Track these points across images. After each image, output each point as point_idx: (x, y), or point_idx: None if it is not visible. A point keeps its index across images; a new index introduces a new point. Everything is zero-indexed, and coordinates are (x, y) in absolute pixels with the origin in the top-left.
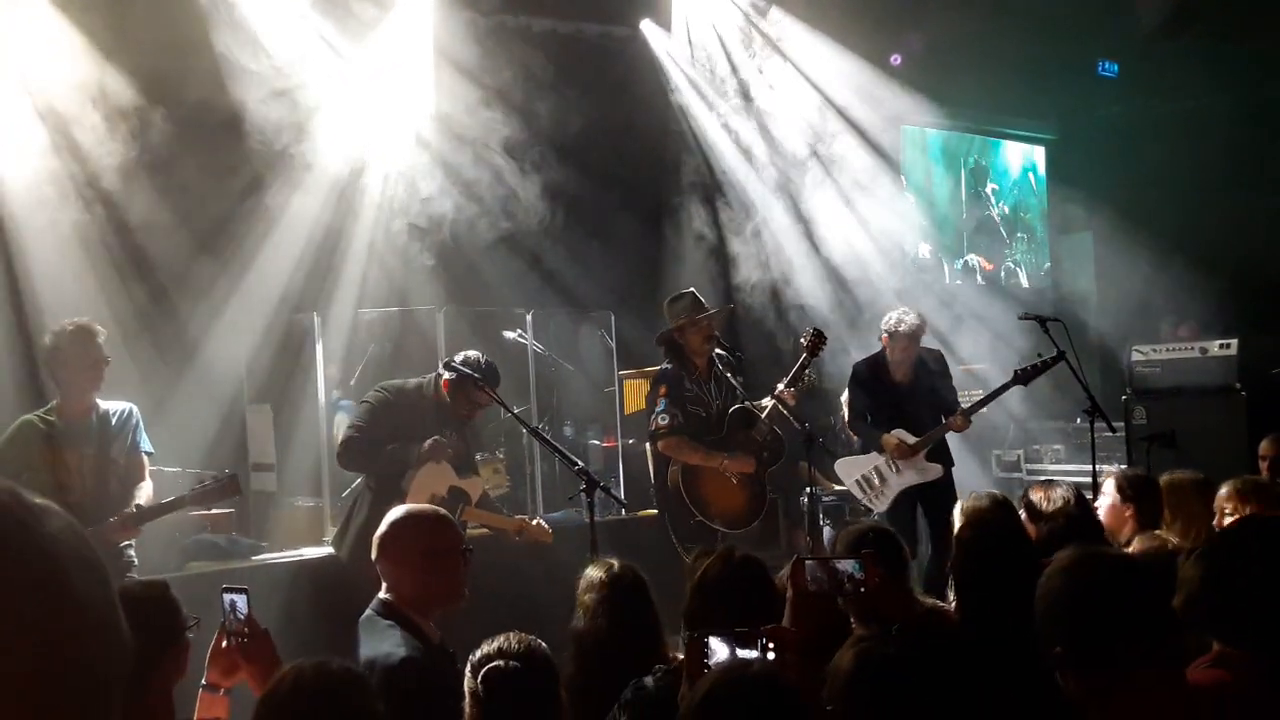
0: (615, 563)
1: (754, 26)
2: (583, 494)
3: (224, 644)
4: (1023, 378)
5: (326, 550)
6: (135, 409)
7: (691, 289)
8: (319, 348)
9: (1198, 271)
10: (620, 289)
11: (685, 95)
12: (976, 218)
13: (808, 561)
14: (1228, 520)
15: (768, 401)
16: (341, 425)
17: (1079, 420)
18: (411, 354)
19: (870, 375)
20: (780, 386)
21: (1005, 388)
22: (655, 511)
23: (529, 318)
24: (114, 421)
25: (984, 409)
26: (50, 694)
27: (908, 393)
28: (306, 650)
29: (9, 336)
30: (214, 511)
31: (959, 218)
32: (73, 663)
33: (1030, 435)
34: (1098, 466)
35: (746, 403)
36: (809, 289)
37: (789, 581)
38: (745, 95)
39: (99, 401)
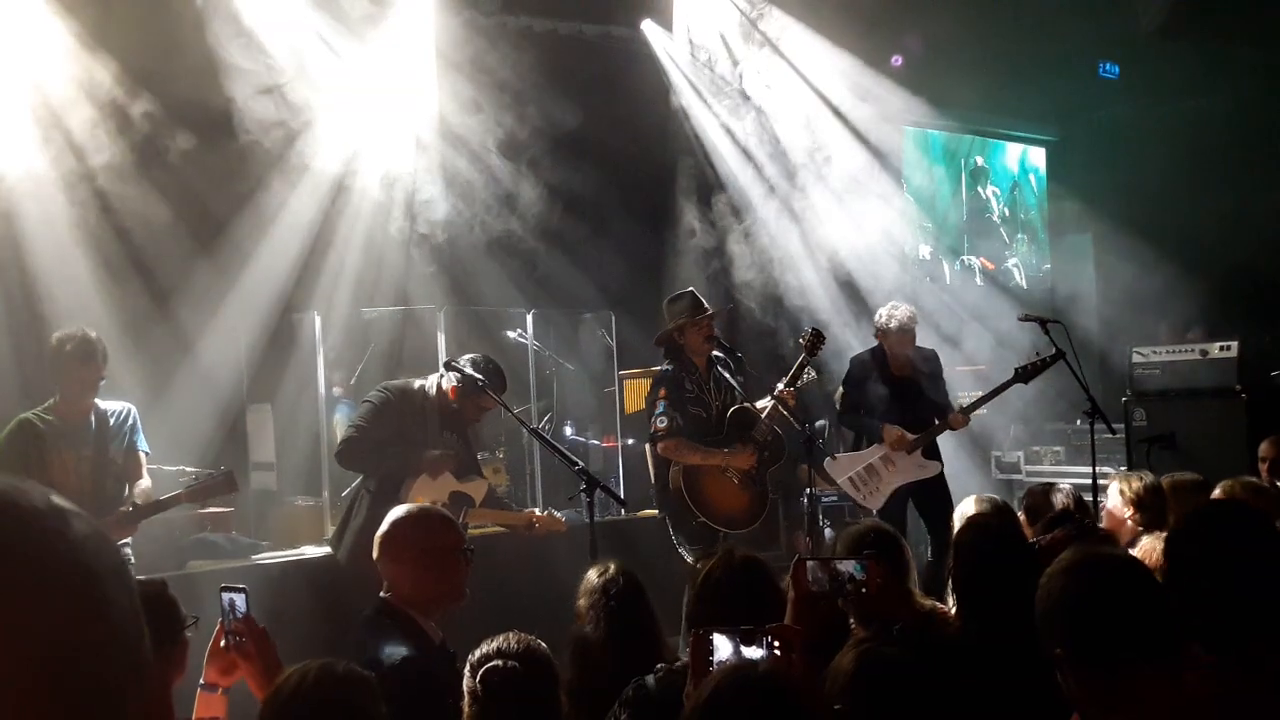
0: (611, 565)
1: (754, 27)
2: (583, 494)
3: (222, 643)
4: (1023, 375)
5: (326, 550)
6: (133, 409)
7: (691, 289)
8: (319, 347)
9: (1198, 273)
10: (620, 289)
11: (685, 95)
12: (977, 219)
13: (809, 562)
14: None
15: (766, 402)
16: (342, 425)
17: (1079, 422)
18: (412, 354)
19: (868, 369)
20: (780, 387)
21: (1006, 385)
22: (655, 511)
23: (529, 317)
24: (112, 421)
25: (982, 408)
26: (72, 699)
27: (904, 389)
28: (305, 650)
29: (15, 334)
30: (213, 510)
31: (959, 218)
32: (96, 671)
33: (1030, 437)
34: (1098, 468)
35: (746, 403)
36: (808, 289)
37: (790, 582)
38: (745, 96)
39: (97, 401)
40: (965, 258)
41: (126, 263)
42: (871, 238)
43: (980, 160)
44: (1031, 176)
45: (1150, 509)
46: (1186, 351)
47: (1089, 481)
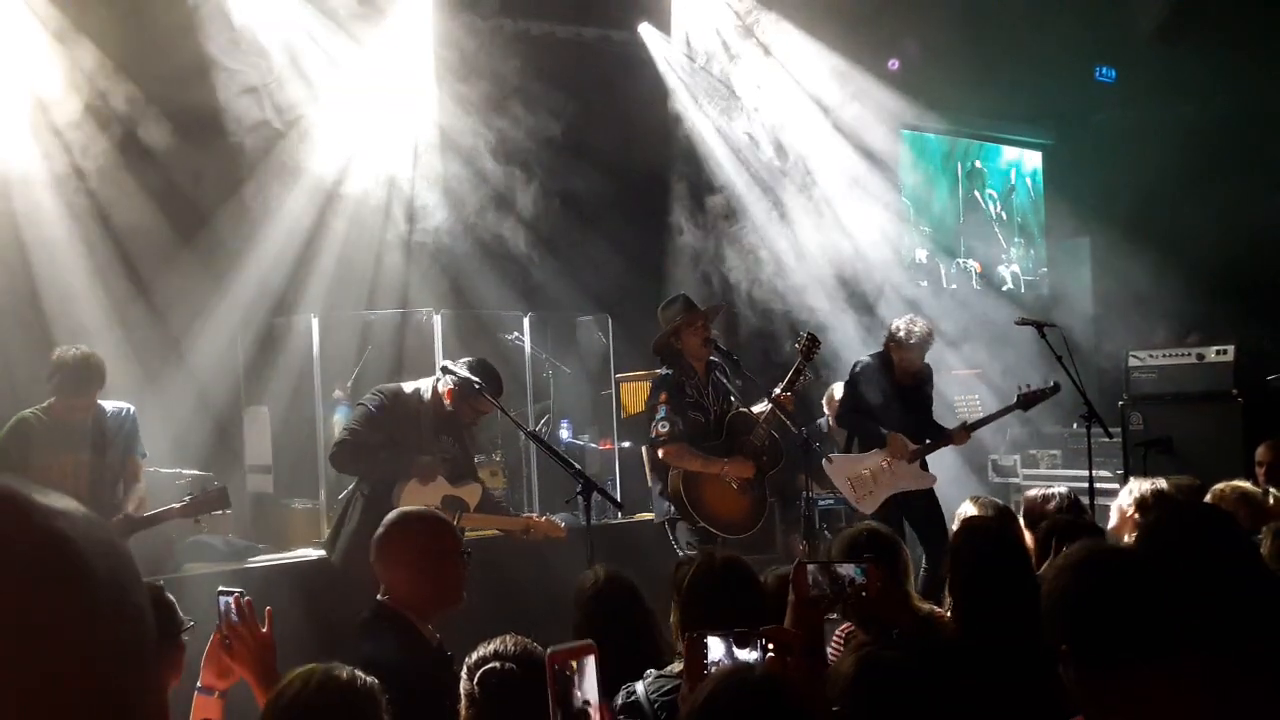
0: (602, 570)
1: (751, 31)
2: (579, 497)
3: (220, 646)
4: (1024, 403)
5: (321, 552)
6: (133, 410)
7: (684, 293)
8: (316, 350)
9: (1194, 277)
10: (617, 292)
11: (682, 99)
12: (973, 222)
13: (809, 566)
14: None
15: (764, 406)
16: (339, 427)
17: (1075, 426)
18: (409, 357)
19: (874, 374)
20: (776, 391)
21: (1007, 410)
22: (652, 515)
23: (526, 320)
24: (110, 423)
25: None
26: (79, 703)
27: (906, 398)
28: (301, 652)
29: (13, 333)
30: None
31: (956, 222)
32: (104, 674)
33: (1027, 440)
34: (1094, 472)
35: (743, 408)
36: (805, 292)
37: (791, 586)
38: (742, 99)
39: (97, 401)
40: (961, 261)
41: (123, 265)
42: (868, 241)
43: (977, 163)
44: (1028, 180)
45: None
46: (1183, 355)
47: (1086, 485)
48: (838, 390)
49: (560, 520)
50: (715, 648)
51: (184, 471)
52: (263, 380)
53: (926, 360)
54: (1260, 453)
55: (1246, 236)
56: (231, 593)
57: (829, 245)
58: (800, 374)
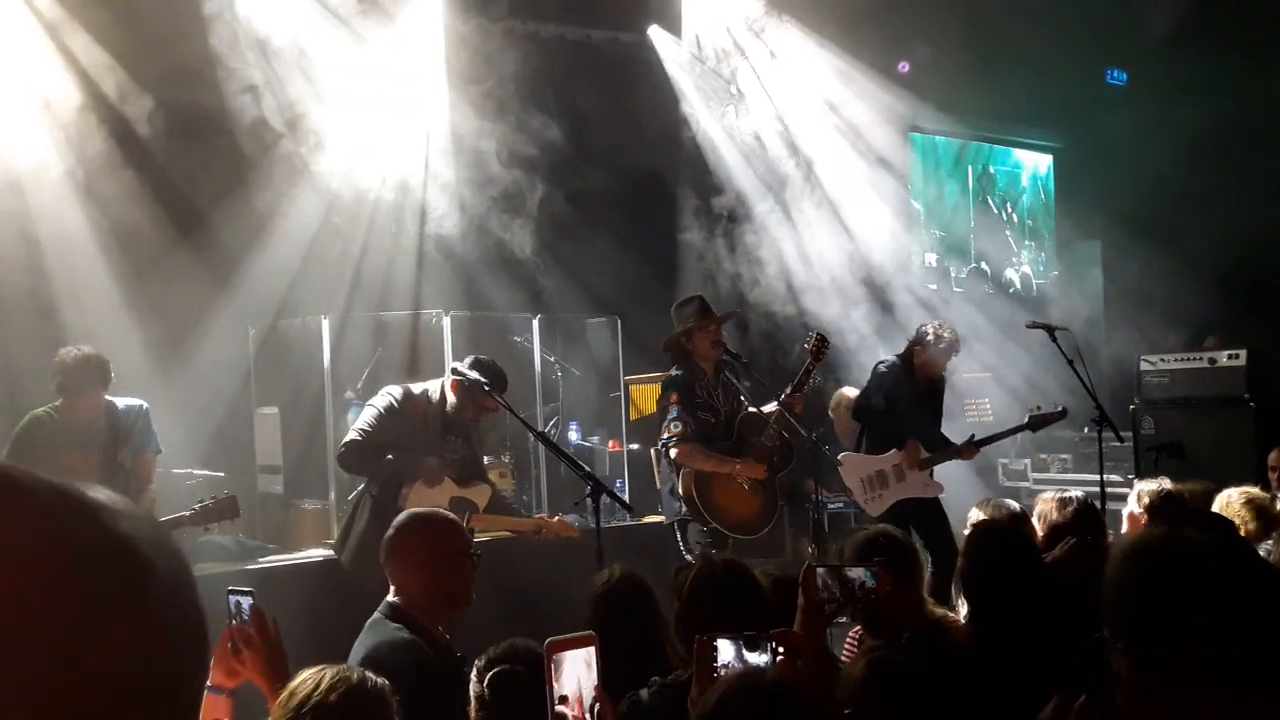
0: (618, 569)
1: (761, 34)
2: (588, 499)
3: (229, 646)
4: (1033, 425)
5: (331, 553)
6: (145, 407)
7: (700, 294)
8: (326, 351)
9: (1205, 280)
10: (626, 294)
11: (692, 101)
12: (984, 225)
13: (819, 569)
14: None
15: (772, 407)
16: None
17: (1086, 430)
18: (418, 358)
19: (896, 376)
20: (786, 391)
21: (1016, 430)
22: (661, 517)
23: (535, 322)
24: (122, 421)
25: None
26: (134, 709)
27: (922, 403)
28: (310, 652)
29: (29, 333)
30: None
31: (966, 225)
32: (173, 688)
33: (1037, 444)
34: (1105, 476)
35: (753, 409)
36: (814, 295)
37: (801, 589)
38: (751, 102)
39: (108, 398)
40: (972, 265)
41: (134, 266)
42: (877, 244)
43: (988, 167)
44: (1040, 183)
45: (1168, 516)
46: (1195, 360)
47: (1097, 489)
48: (847, 393)
49: (574, 521)
50: (725, 650)
51: (195, 472)
52: (273, 381)
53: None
54: (1273, 458)
55: (1257, 240)
56: (242, 592)
57: (838, 248)
58: (809, 374)
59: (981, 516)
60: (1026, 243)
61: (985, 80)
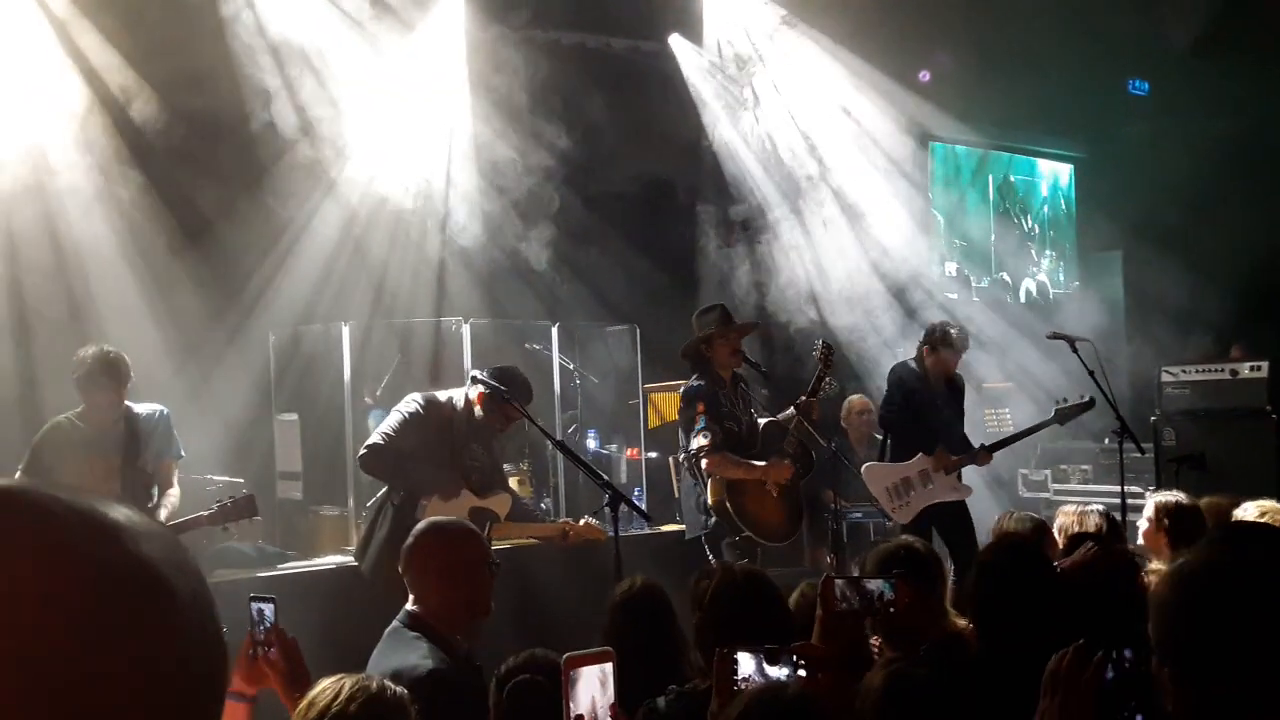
0: (640, 580)
1: (782, 42)
2: (607, 508)
3: (251, 653)
4: (1060, 417)
5: (350, 560)
6: (166, 412)
7: (722, 303)
8: (346, 358)
9: (1227, 291)
10: (645, 302)
11: (712, 110)
12: (1004, 235)
13: (837, 580)
14: None
15: (789, 413)
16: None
17: (1107, 441)
18: (438, 365)
19: (912, 379)
20: (803, 398)
21: (1044, 425)
22: (680, 526)
23: (554, 330)
24: (143, 427)
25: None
26: None
27: (939, 405)
28: (330, 660)
29: (56, 339)
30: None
31: (987, 234)
32: (196, 708)
33: (1058, 455)
34: (1126, 488)
35: (772, 417)
36: (835, 305)
37: (819, 600)
38: (771, 111)
39: (129, 404)
40: (993, 275)
41: (156, 272)
42: (897, 254)
43: (1008, 176)
44: (1060, 193)
45: (1184, 529)
46: (1216, 371)
47: (1118, 501)
48: (857, 401)
49: (599, 524)
50: (745, 663)
51: (214, 477)
52: (293, 387)
53: (959, 373)
54: None
55: (1279, 250)
56: (264, 599)
57: (858, 257)
58: (822, 381)
59: (1006, 526)
60: (1047, 252)
61: (1006, 89)
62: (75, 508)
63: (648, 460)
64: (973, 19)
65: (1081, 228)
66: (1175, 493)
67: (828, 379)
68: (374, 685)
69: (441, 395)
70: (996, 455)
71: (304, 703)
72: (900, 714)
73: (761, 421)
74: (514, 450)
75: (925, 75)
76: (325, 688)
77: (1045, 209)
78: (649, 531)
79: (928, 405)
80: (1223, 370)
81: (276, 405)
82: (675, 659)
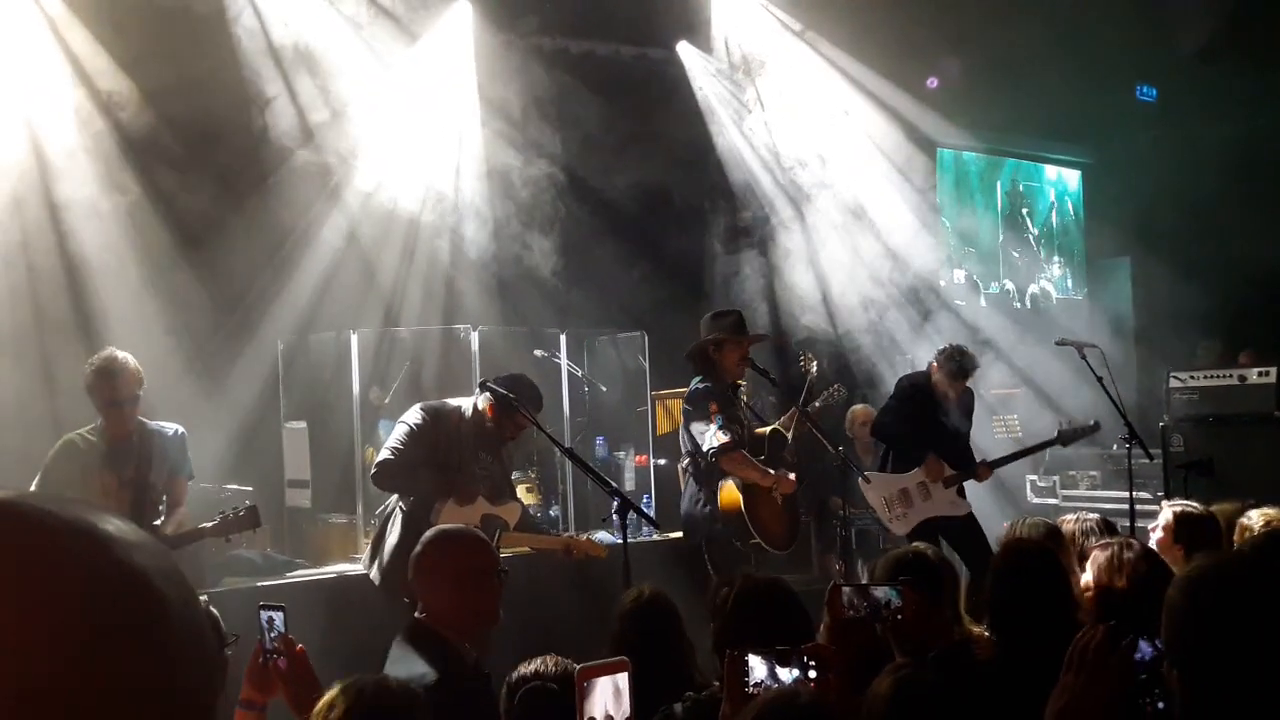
0: (648, 589)
1: (790, 49)
2: (615, 515)
3: (261, 661)
4: (1064, 439)
5: (359, 568)
6: (182, 431)
7: (739, 311)
8: (355, 366)
9: (1235, 297)
10: (654, 309)
11: (721, 117)
12: (1013, 241)
13: (845, 588)
14: None
15: (788, 417)
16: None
17: (1115, 447)
18: (447, 373)
19: (918, 393)
20: (815, 405)
21: (1047, 445)
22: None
23: (563, 337)
24: (156, 443)
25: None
26: None
27: (945, 421)
28: (339, 668)
29: (68, 356)
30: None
31: (995, 241)
32: (186, 713)
33: (1066, 461)
34: (1135, 494)
35: (777, 426)
36: (843, 312)
37: (827, 608)
38: (780, 117)
39: (143, 420)
40: (1001, 281)
41: (163, 281)
42: (906, 260)
43: (1017, 183)
44: (1069, 199)
45: (1201, 541)
46: (1225, 377)
47: (1126, 507)
48: (860, 410)
49: (601, 539)
50: (757, 667)
51: (225, 486)
52: (302, 395)
53: (969, 386)
54: None
55: None
56: (273, 607)
57: (866, 264)
58: (811, 389)
59: (1019, 533)
60: (1055, 258)
61: (1014, 96)
62: (66, 518)
63: (656, 467)
64: (980, 26)
65: (1089, 234)
66: (1192, 503)
67: (835, 385)
68: (393, 684)
69: (449, 404)
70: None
71: (324, 704)
72: (906, 718)
73: (766, 429)
74: (522, 458)
75: (933, 82)
76: (347, 685)
77: (1053, 215)
78: (658, 538)
79: (931, 418)
80: (1230, 376)
81: (285, 413)
82: (683, 667)
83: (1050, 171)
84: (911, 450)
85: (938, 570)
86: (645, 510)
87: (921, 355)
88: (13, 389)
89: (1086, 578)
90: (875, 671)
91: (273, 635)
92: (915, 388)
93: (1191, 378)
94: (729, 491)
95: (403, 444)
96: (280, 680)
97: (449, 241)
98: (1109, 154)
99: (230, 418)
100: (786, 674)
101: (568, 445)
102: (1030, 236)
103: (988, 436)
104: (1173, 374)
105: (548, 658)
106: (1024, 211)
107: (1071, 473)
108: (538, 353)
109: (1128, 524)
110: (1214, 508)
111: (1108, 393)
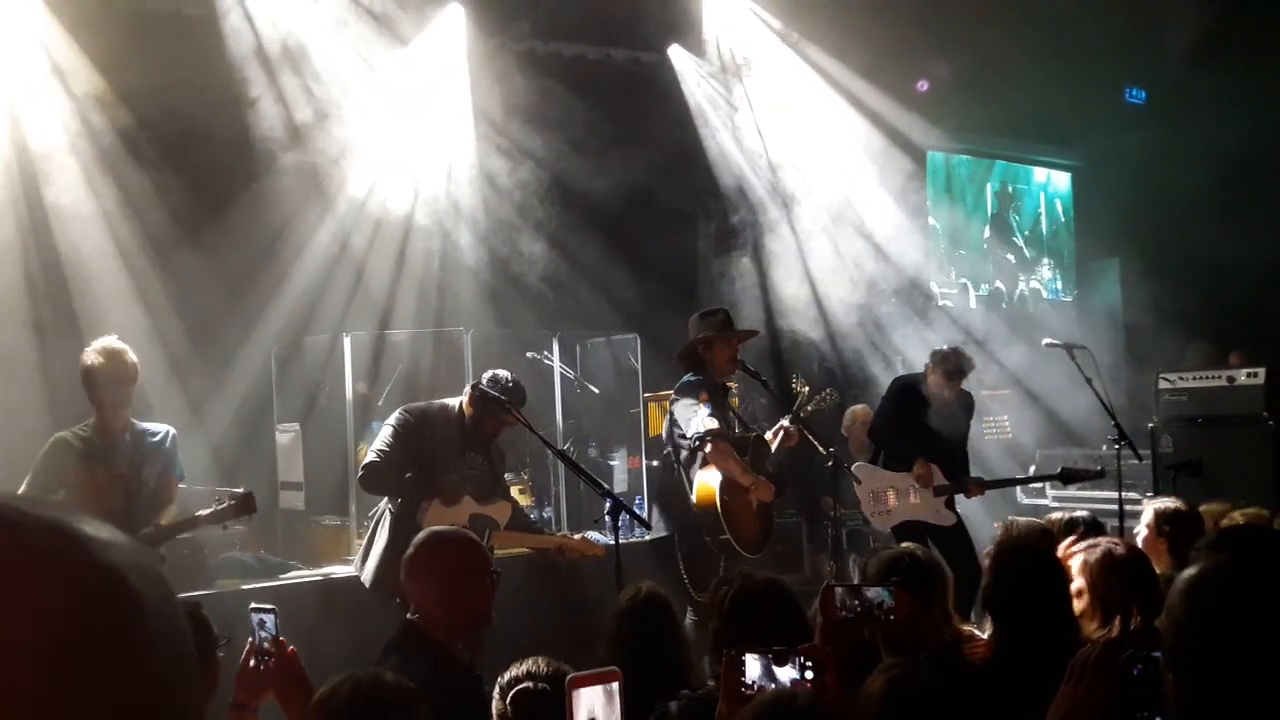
0: (645, 587)
1: (781, 53)
2: (607, 517)
3: (252, 663)
4: (1065, 476)
5: (352, 570)
6: (173, 432)
7: (725, 309)
8: (348, 368)
9: (1224, 299)
10: (646, 311)
11: (712, 121)
12: (1002, 243)
13: (837, 588)
14: None
15: (779, 427)
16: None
17: (1105, 448)
18: (440, 375)
19: (911, 394)
20: (788, 422)
21: (1046, 479)
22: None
23: (555, 340)
24: (148, 442)
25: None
26: None
27: (939, 423)
28: (333, 670)
29: (54, 357)
30: (242, 529)
31: (984, 244)
32: (159, 712)
33: (1055, 462)
34: (1124, 494)
35: (756, 431)
36: (835, 314)
37: (819, 608)
38: (771, 120)
39: (135, 421)
40: (990, 283)
41: (157, 284)
42: (896, 262)
43: (1006, 185)
44: (1058, 201)
45: (1183, 535)
46: (1213, 378)
47: (1115, 507)
48: (859, 410)
49: (599, 539)
50: (753, 666)
51: (218, 489)
52: (295, 398)
53: (968, 392)
54: None
55: (1277, 258)
56: (265, 609)
57: (857, 266)
58: (802, 405)
59: (1014, 531)
60: (1045, 260)
61: (1004, 98)
62: (40, 517)
63: (648, 468)
64: (970, 29)
65: (1079, 236)
66: (1172, 499)
67: (826, 390)
68: (389, 677)
69: (436, 404)
70: (996, 462)
71: (321, 697)
72: (899, 718)
73: (750, 435)
74: (514, 460)
75: (923, 85)
76: (342, 680)
77: (1043, 217)
78: (648, 539)
79: (920, 420)
80: (1219, 377)
81: (278, 416)
82: (679, 666)
83: (1040, 174)
84: (900, 451)
85: (929, 571)
86: (637, 511)
87: (913, 355)
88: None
89: (1079, 582)
90: (867, 671)
91: (264, 637)
92: (906, 389)
93: (1181, 379)
94: (706, 483)
95: (388, 446)
96: (272, 683)
97: (442, 244)
98: (1098, 156)
99: (224, 420)
100: (783, 674)
101: (560, 447)
102: (1020, 238)
103: (978, 437)
104: (1162, 375)
105: (539, 659)
106: (1013, 213)
107: None
108: (530, 355)
109: (1116, 524)
110: (1202, 508)
111: (1096, 393)
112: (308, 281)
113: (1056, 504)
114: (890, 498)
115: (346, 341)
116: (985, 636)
